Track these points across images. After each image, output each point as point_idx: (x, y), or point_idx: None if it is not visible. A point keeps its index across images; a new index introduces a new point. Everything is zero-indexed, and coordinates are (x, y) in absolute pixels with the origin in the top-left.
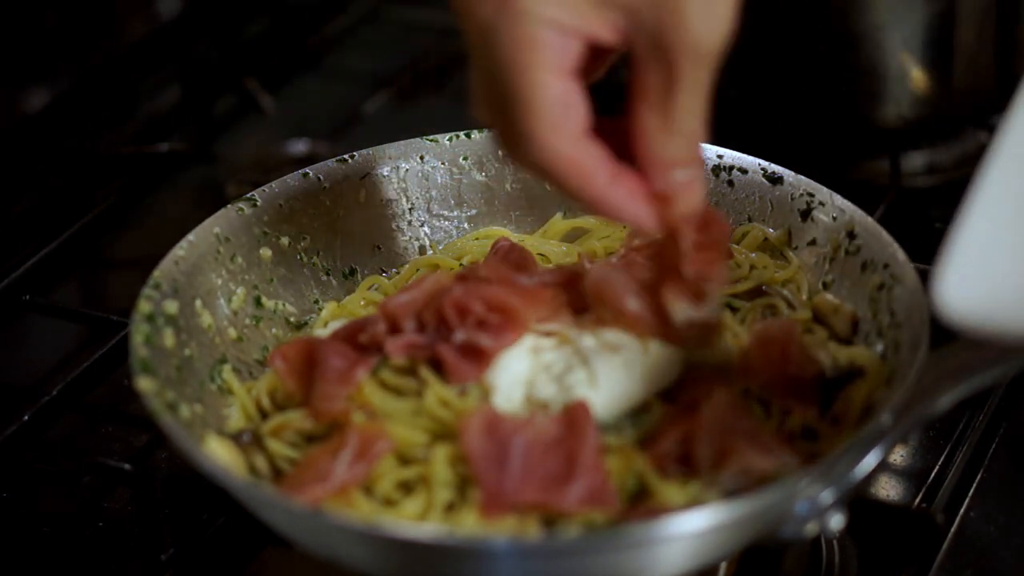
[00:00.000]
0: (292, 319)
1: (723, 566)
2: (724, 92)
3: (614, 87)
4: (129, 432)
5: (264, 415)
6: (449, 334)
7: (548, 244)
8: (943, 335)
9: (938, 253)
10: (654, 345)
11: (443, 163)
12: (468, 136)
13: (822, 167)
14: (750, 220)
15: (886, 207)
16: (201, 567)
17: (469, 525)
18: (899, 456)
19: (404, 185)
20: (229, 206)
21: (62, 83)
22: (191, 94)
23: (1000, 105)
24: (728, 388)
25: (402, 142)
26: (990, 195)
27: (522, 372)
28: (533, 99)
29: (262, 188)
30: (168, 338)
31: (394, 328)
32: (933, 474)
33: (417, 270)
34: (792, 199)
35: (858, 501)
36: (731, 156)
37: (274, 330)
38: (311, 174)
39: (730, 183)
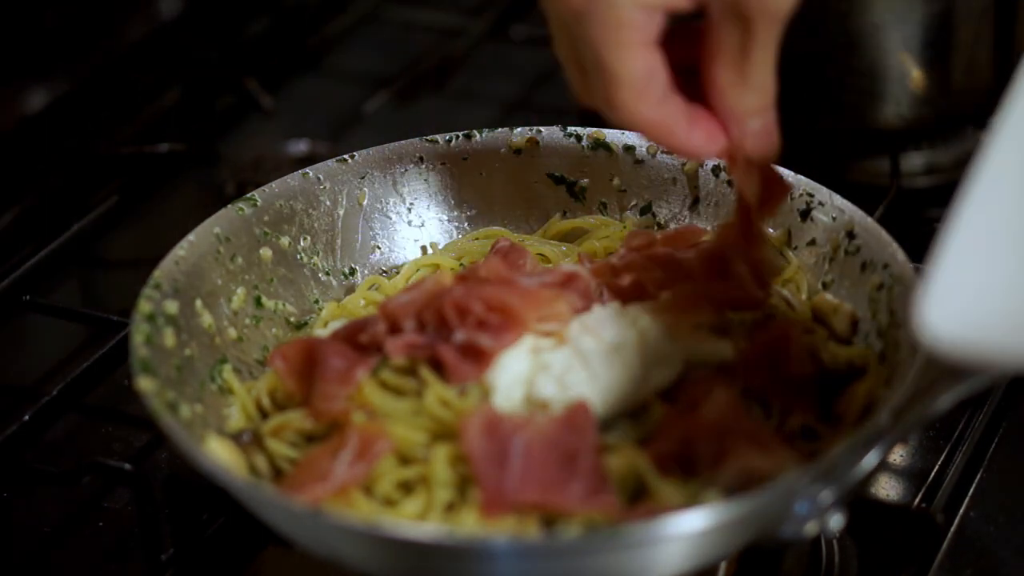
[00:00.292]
0: (292, 319)
1: (723, 566)
2: None
3: None
4: (129, 432)
5: (264, 415)
6: (449, 334)
7: (548, 244)
8: None
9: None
10: (654, 344)
11: (443, 163)
12: (468, 136)
13: (822, 167)
14: None
15: (886, 207)
16: (201, 567)
17: (469, 525)
18: (899, 456)
19: (404, 185)
20: (229, 206)
21: (62, 83)
22: (191, 94)
23: (999, 105)
24: (728, 388)
25: (402, 142)
26: (972, 220)
27: (522, 372)
28: (622, 74)
29: (262, 188)
30: (168, 338)
31: (394, 328)
32: (933, 474)
33: (417, 270)
34: (792, 199)
35: (858, 501)
36: None
37: (274, 330)
38: (311, 174)
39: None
